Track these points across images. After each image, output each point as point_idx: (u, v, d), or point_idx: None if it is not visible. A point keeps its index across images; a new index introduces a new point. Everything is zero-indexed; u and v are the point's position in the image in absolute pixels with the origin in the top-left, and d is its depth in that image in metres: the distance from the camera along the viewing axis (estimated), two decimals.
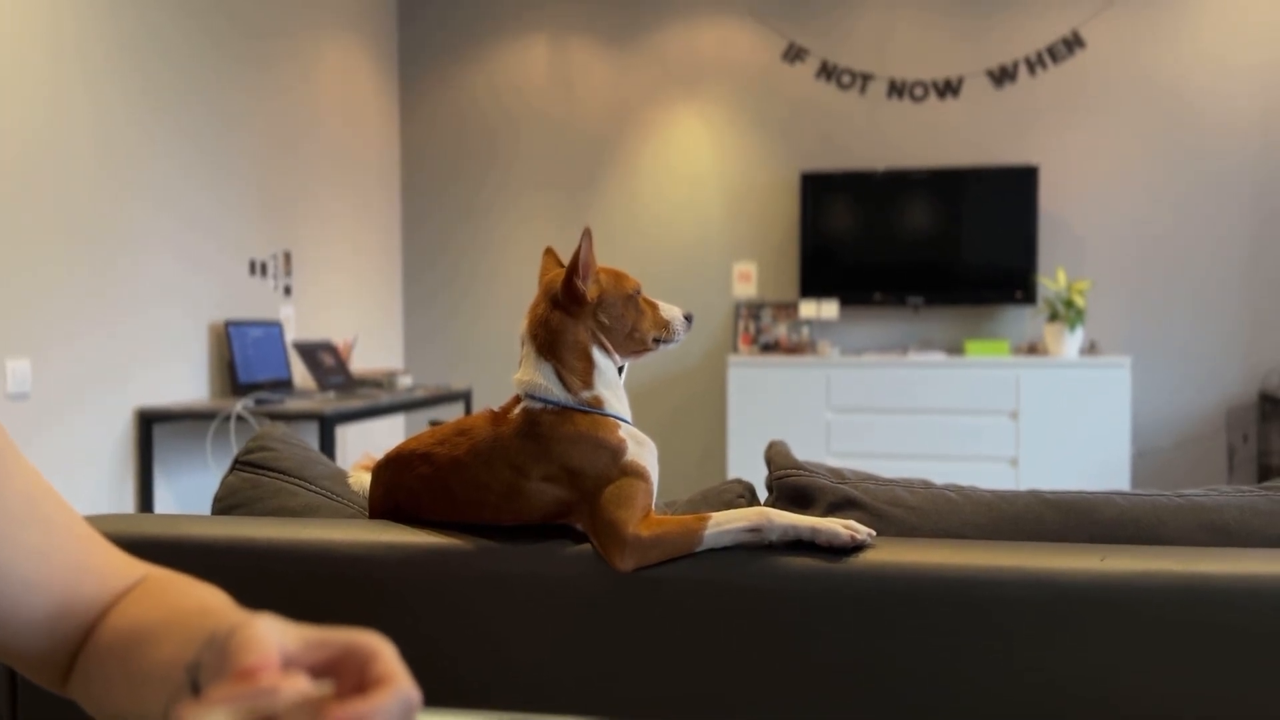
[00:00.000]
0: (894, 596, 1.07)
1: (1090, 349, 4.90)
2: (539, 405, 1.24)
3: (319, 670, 0.52)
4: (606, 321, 1.28)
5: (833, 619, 1.09)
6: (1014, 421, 4.60)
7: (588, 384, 1.25)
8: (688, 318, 1.36)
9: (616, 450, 1.21)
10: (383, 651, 0.51)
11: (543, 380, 1.25)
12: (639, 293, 1.32)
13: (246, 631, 0.52)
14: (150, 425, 3.63)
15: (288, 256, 4.54)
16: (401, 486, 1.29)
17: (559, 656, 1.16)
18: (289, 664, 0.51)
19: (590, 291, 1.27)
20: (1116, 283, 4.96)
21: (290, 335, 4.46)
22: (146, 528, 1.28)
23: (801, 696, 1.10)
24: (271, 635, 0.52)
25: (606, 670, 1.16)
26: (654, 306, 1.34)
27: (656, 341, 1.33)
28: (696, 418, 5.27)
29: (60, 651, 0.72)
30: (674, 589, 1.14)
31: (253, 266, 4.32)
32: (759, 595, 1.12)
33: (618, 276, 1.31)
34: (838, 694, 1.09)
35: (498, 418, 1.27)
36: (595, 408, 1.24)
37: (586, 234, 1.26)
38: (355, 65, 5.15)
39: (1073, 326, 4.66)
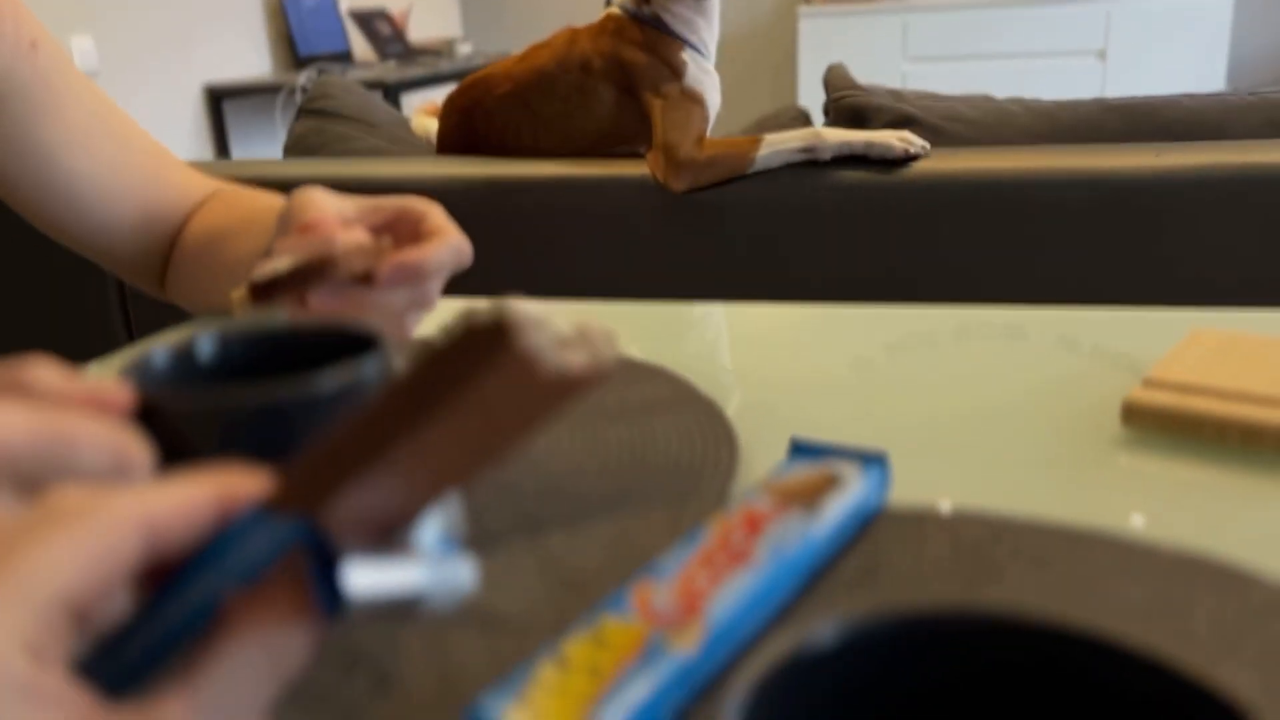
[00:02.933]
0: (945, 203, 1.09)
1: None
2: (617, 10, 1.26)
3: (376, 231, 0.56)
4: None
5: (884, 228, 1.12)
6: (1101, 62, 4.35)
7: (646, 1, 1.24)
8: None
9: (674, 68, 1.21)
10: (431, 210, 0.56)
11: None
12: None
13: (304, 196, 0.56)
14: (220, 101, 3.66)
15: None
16: (480, 108, 1.30)
17: (619, 281, 1.22)
18: (346, 224, 0.56)
19: None
20: None
21: (345, 4, 4.34)
22: (223, 170, 1.33)
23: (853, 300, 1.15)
24: (328, 199, 0.56)
25: (665, 292, 1.22)
26: None
27: None
28: (765, 75, 5.10)
29: (151, 256, 0.79)
30: (729, 209, 1.17)
31: None
32: (811, 210, 1.14)
33: None
34: (887, 298, 1.14)
35: (583, 29, 1.28)
36: (657, 23, 1.23)
37: None
38: None
39: None
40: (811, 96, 4.62)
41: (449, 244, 0.54)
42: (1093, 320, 0.63)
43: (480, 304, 0.20)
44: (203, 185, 0.82)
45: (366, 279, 0.51)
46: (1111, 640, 0.18)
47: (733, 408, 0.52)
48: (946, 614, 0.19)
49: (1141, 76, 4.36)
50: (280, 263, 0.50)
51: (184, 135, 3.62)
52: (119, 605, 0.22)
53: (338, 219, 0.54)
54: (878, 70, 4.56)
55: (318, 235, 0.51)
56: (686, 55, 1.23)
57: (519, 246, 1.24)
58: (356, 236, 0.52)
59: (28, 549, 0.21)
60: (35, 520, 0.21)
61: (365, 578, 0.21)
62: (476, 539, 0.39)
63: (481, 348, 0.19)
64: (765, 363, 0.61)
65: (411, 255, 0.52)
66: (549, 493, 0.43)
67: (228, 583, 0.21)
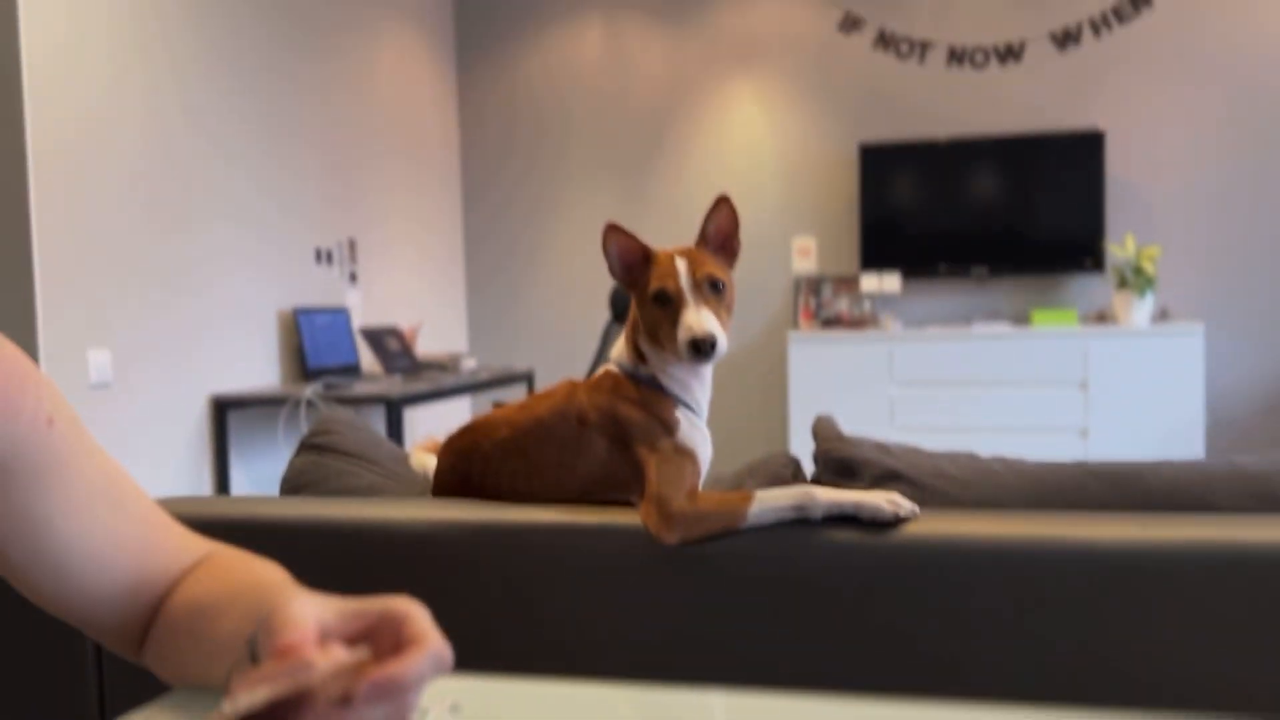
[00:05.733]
0: (934, 568, 1.09)
1: (1161, 316, 4.79)
2: (615, 369, 1.32)
3: (356, 638, 0.55)
4: (639, 314, 1.31)
5: (874, 591, 1.11)
6: (1083, 392, 4.52)
7: (643, 362, 1.29)
8: (696, 345, 1.21)
9: (668, 424, 1.25)
10: (413, 613, 0.55)
11: (621, 347, 1.33)
12: (663, 294, 1.25)
13: (284, 611, 0.56)
14: (225, 411, 3.76)
15: (353, 244, 4.64)
16: (478, 452, 1.33)
17: (611, 629, 1.20)
18: (326, 636, 0.55)
19: (632, 278, 1.31)
20: (1187, 248, 4.83)
21: (357, 321, 4.56)
22: (219, 509, 1.34)
23: (843, 666, 1.12)
24: (308, 611, 0.56)
25: (655, 641, 1.19)
26: (675, 319, 1.24)
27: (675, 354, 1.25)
28: (757, 395, 5.28)
29: (133, 623, 0.78)
30: (720, 563, 1.16)
31: (319, 255, 4.42)
32: (802, 569, 1.14)
33: (657, 270, 1.28)
34: (878, 663, 1.11)
35: (582, 383, 1.33)
36: (653, 383, 1.28)
37: (606, 228, 1.29)
38: (413, 52, 5.22)
39: (1142, 293, 4.56)
40: (801, 411, 4.75)
41: (429, 653, 0.53)
42: None
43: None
44: (195, 548, 0.82)
45: (344, 698, 0.50)
46: None
47: None
48: None
49: (1123, 406, 4.51)
50: (257, 694, 0.49)
51: (186, 443, 3.68)
52: None
53: (316, 636, 0.54)
54: (866, 391, 4.72)
55: (296, 659, 0.51)
56: (680, 413, 1.27)
57: (509, 589, 1.23)
58: (335, 657, 0.51)
59: None
60: None
61: None
62: None
63: None
64: None
65: (389, 669, 0.51)
66: None
67: None
